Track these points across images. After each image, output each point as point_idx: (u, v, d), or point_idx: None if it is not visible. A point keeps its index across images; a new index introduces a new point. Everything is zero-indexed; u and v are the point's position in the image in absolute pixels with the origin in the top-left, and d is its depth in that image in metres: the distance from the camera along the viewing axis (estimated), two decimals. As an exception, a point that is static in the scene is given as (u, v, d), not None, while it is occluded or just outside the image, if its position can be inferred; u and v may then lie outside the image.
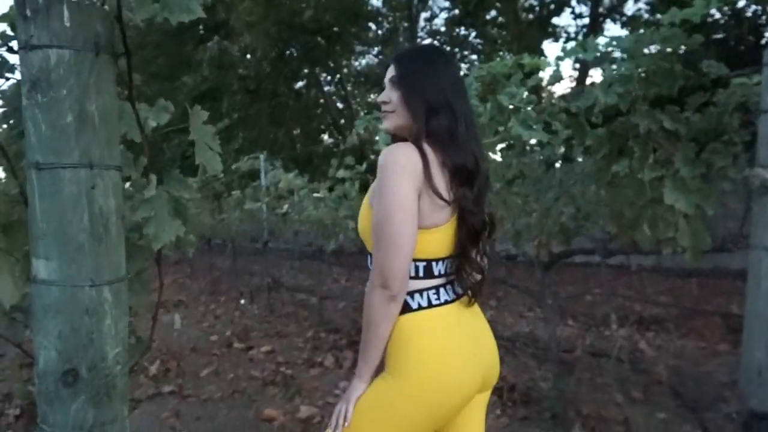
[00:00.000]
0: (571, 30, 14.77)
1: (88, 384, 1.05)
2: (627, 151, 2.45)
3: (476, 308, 1.45)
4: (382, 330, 1.29)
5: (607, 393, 3.20)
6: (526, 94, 2.27)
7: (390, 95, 1.41)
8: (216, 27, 17.37)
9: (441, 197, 1.27)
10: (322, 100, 19.04)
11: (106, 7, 1.04)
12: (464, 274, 1.36)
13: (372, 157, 3.55)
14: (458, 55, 17.62)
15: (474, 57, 17.80)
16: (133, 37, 18.80)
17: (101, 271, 1.06)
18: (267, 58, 14.99)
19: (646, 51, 2.19)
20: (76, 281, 1.02)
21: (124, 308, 1.13)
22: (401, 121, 1.40)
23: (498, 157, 2.99)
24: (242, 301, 7.57)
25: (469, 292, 1.39)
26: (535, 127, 2.18)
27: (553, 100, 2.30)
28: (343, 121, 18.34)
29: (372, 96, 19.61)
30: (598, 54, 2.18)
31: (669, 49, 2.20)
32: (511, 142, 2.38)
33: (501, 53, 16.04)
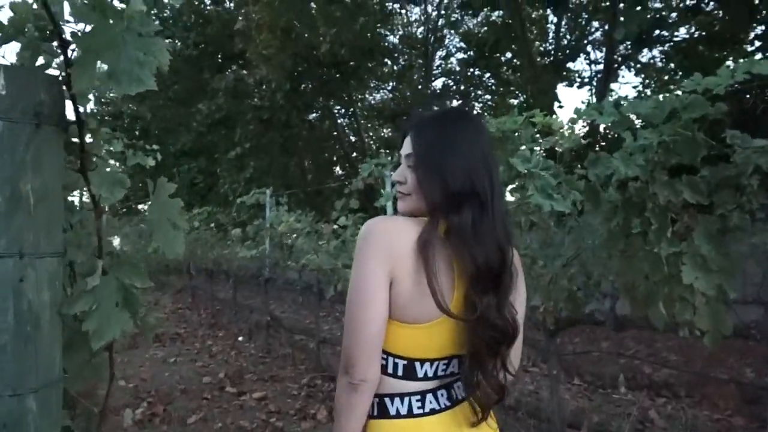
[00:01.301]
0: (586, 75, 14.78)
1: None
2: (643, 220, 2.29)
3: (487, 426, 1.21)
4: (344, 420, 1.10)
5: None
6: (541, 157, 2.12)
7: (405, 174, 1.22)
8: (233, 57, 17.55)
9: (438, 302, 1.07)
10: (335, 132, 19.06)
11: (53, 71, 0.91)
12: (474, 384, 1.15)
13: (376, 205, 3.39)
14: (472, 95, 17.64)
15: (488, 97, 17.82)
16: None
17: (26, 377, 0.90)
18: (281, 90, 15.01)
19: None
20: (-9, 393, 0.86)
21: (55, 415, 0.97)
22: (419, 205, 1.19)
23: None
24: (240, 338, 7.38)
25: (476, 406, 1.15)
26: (556, 196, 2.02)
27: (575, 170, 2.14)
28: (354, 153, 18.32)
29: (384, 131, 19.63)
30: (614, 119, 2.02)
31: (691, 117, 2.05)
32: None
33: (516, 95, 16.06)
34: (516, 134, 2.63)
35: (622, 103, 2.07)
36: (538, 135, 2.67)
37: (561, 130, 2.37)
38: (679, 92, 1.98)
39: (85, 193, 1.12)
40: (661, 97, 2.09)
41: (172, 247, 1.06)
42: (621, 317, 2.55)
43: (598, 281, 2.58)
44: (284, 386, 5.18)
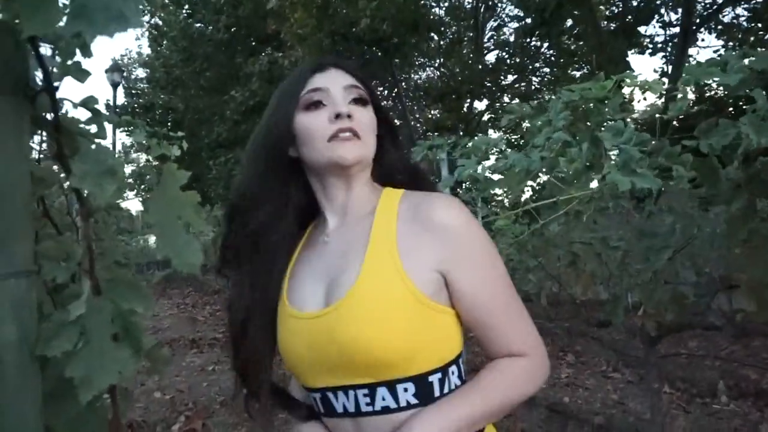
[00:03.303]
0: (659, 40, 14.05)
1: None
2: (774, 202, 1.97)
3: None
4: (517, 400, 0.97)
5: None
6: (635, 131, 1.82)
7: (351, 109, 1.02)
8: (267, 39, 17.50)
9: None
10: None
11: None
12: None
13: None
14: (530, 68, 17.09)
15: (547, 70, 17.23)
16: (187, 48, 19.26)
17: (-15, 447, 0.70)
18: (319, 72, 14.87)
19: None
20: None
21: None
22: (369, 153, 1.04)
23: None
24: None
25: None
26: (640, 171, 1.72)
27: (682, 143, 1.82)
28: (400, 138, 18.04)
29: (432, 112, 19.28)
30: (743, 76, 1.70)
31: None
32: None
33: (579, 66, 15.45)
34: (604, 103, 2.32)
35: (750, 56, 1.75)
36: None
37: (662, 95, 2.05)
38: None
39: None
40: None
41: (184, 256, 0.83)
42: (744, 322, 2.24)
43: (712, 278, 2.27)
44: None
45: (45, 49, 0.93)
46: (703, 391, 4.75)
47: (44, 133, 1.03)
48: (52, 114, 0.79)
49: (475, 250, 0.95)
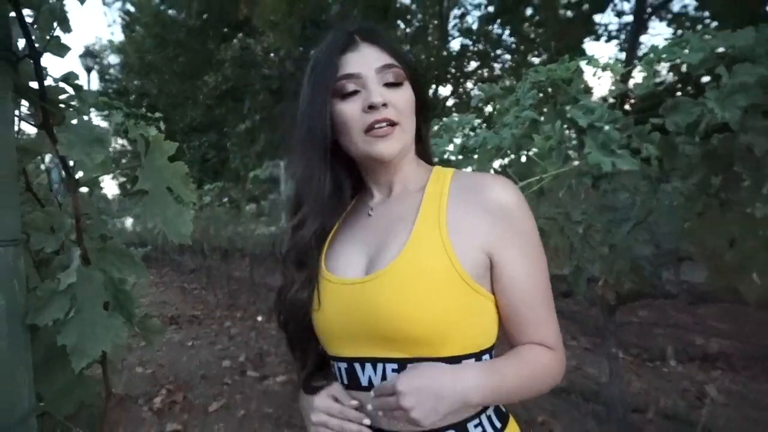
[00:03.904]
0: (613, 28, 14.17)
1: None
2: (729, 176, 1.99)
3: None
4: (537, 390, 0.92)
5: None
6: (607, 109, 1.81)
7: (386, 96, 0.91)
8: (239, 25, 17.16)
9: None
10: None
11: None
12: None
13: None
14: (491, 55, 17.10)
15: (508, 57, 17.26)
16: (159, 34, 18.80)
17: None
18: (290, 57, 14.64)
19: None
20: None
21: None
22: (409, 138, 0.95)
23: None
24: (259, 318, 7.21)
25: None
26: (619, 152, 1.71)
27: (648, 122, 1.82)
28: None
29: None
30: (704, 55, 1.71)
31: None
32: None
33: (538, 53, 15.51)
34: (569, 84, 2.32)
35: (709, 35, 1.76)
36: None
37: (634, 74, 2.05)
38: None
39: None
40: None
41: (175, 226, 0.79)
42: (698, 289, 2.28)
43: (667, 250, 2.29)
44: (309, 369, 4.99)
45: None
46: (654, 356, 4.86)
47: (25, 104, 0.97)
48: (36, 82, 0.74)
49: (526, 236, 0.89)
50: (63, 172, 0.82)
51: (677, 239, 2.45)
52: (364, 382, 0.88)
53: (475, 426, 0.87)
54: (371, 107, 0.87)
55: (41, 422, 1.08)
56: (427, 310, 0.82)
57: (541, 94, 2.26)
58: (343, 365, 0.91)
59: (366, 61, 0.90)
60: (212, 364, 5.31)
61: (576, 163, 1.93)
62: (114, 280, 0.76)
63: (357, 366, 0.89)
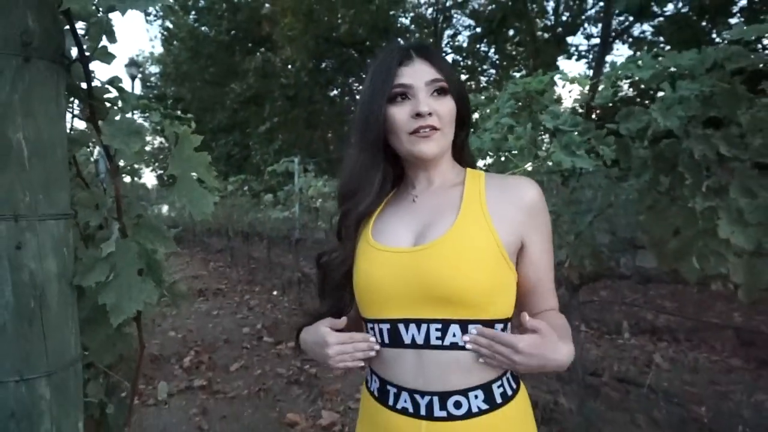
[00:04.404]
0: (583, 48, 14.12)
1: None
2: (674, 175, 2.00)
3: None
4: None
5: (632, 416, 2.76)
6: (570, 114, 1.83)
7: (432, 105, 0.93)
8: (261, 40, 17.10)
9: None
10: (353, 107, 18.65)
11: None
12: None
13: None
14: (479, 69, 17.01)
15: (493, 71, 17.19)
16: (193, 47, 18.75)
17: (34, 361, 0.68)
18: (305, 69, 14.58)
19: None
20: (-11, 381, 0.64)
21: (74, 399, 0.75)
22: (448, 142, 0.97)
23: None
24: (274, 293, 7.24)
25: None
26: (578, 152, 1.74)
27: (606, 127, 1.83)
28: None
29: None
30: (654, 71, 1.72)
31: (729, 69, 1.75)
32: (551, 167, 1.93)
33: (519, 68, 15.45)
34: (542, 95, 2.33)
35: (660, 56, 1.77)
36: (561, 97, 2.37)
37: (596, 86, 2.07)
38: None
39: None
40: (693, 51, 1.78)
41: (199, 206, 0.81)
42: (647, 272, 2.31)
43: (623, 237, 2.31)
44: (316, 336, 5.02)
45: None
46: (611, 330, 4.90)
47: (75, 102, 0.99)
48: (85, 83, 0.76)
49: (546, 227, 0.94)
50: (107, 162, 0.84)
51: (632, 229, 2.48)
52: (407, 341, 0.87)
53: (498, 387, 0.88)
54: (418, 114, 0.90)
55: (87, 371, 1.10)
56: (478, 276, 0.84)
57: (519, 103, 2.27)
58: (386, 326, 0.90)
59: (418, 75, 0.92)
60: (234, 331, 5.35)
61: (549, 163, 1.95)
62: (147, 251, 0.78)
63: (401, 326, 0.88)
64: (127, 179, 1.57)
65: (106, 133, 0.74)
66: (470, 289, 0.84)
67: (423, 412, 0.86)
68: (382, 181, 0.99)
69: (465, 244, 0.86)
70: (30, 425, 0.68)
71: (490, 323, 0.87)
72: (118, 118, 0.81)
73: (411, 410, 0.87)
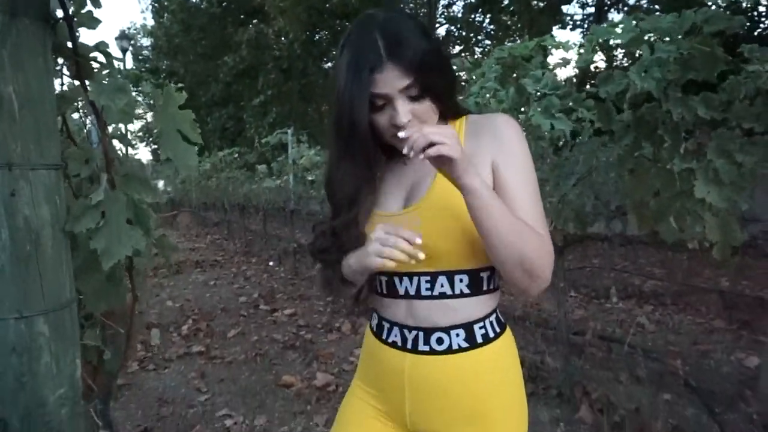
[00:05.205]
0: (578, 18, 13.96)
1: (16, 441, 0.73)
2: (654, 138, 2.04)
3: None
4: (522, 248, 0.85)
5: (615, 374, 2.86)
6: (551, 79, 1.86)
7: (408, 113, 0.90)
8: (253, 12, 16.82)
9: None
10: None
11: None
12: None
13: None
14: (473, 40, 16.84)
15: (488, 42, 17.00)
16: (185, 20, 18.41)
17: (31, 300, 0.73)
18: (298, 41, 14.41)
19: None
20: (-9, 317, 0.69)
21: (71, 338, 0.80)
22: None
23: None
24: (271, 263, 7.32)
25: None
26: (558, 115, 1.77)
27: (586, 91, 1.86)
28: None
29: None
30: (633, 35, 1.75)
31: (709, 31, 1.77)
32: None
33: (514, 39, 15.28)
34: (530, 61, 2.35)
35: (640, 19, 1.79)
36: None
37: (575, 51, 2.09)
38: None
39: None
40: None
41: (184, 160, 0.85)
42: (639, 240, 2.36)
43: (606, 201, 2.37)
44: (311, 304, 5.11)
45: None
46: (600, 294, 5.00)
47: (63, 64, 1.02)
48: (70, 41, 0.79)
49: (521, 154, 0.91)
50: (95, 119, 0.88)
51: (613, 193, 2.53)
52: (401, 292, 0.94)
53: (480, 327, 0.92)
54: (397, 126, 0.88)
55: (86, 323, 1.16)
56: (456, 235, 0.88)
57: (501, 69, 2.29)
58: (384, 278, 0.96)
59: (390, 83, 0.86)
60: (231, 300, 5.43)
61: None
62: (134, 201, 0.83)
63: (396, 279, 0.94)
64: (118, 145, 1.61)
65: (92, 90, 0.78)
66: (451, 248, 0.89)
67: (409, 345, 0.93)
68: (374, 176, 0.98)
69: (443, 202, 0.89)
70: (30, 359, 0.74)
71: (476, 272, 0.91)
72: (106, 81, 0.85)
73: (399, 344, 0.95)
